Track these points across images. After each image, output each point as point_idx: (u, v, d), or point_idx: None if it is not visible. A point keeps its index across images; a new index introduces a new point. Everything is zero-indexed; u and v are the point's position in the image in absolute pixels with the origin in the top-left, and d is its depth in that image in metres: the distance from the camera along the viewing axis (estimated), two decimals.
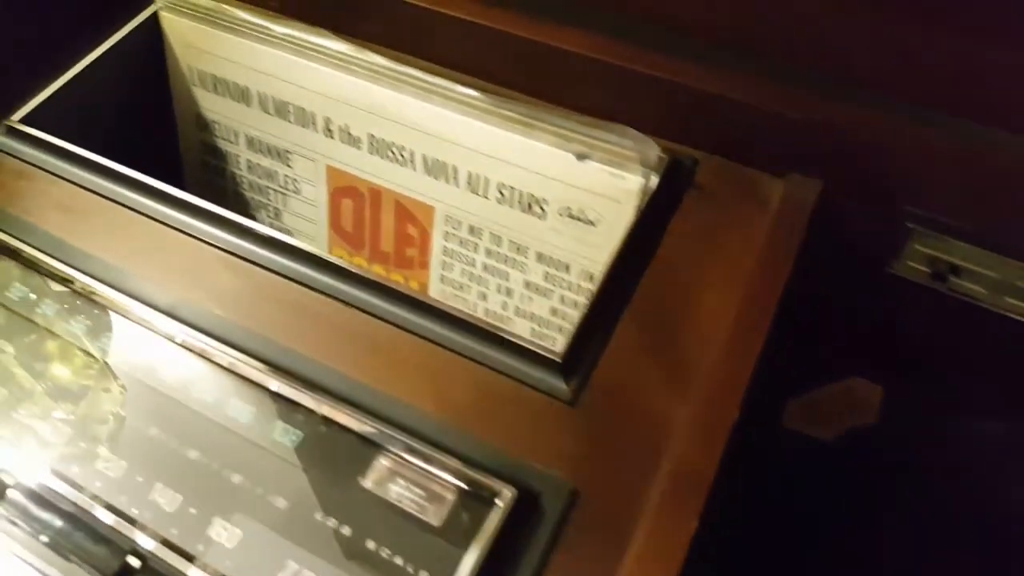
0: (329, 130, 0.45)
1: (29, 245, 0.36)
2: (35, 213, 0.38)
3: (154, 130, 0.50)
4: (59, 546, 0.29)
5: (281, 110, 0.45)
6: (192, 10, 0.45)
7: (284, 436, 0.31)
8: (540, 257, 0.43)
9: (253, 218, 0.50)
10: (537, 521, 0.28)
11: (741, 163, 0.39)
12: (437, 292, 0.48)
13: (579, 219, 0.40)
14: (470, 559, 0.27)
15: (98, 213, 0.38)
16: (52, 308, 0.34)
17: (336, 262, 0.34)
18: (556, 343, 0.45)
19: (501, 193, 0.41)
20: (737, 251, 0.36)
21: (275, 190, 0.49)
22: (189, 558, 0.28)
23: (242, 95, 0.46)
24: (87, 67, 0.43)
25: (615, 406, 0.32)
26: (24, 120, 0.40)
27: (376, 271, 0.49)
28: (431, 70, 0.41)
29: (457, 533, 0.28)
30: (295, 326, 0.34)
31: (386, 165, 0.44)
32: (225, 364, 0.32)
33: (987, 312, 0.39)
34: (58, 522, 0.29)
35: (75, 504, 0.30)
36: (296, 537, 0.28)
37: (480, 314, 0.47)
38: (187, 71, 0.47)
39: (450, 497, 0.29)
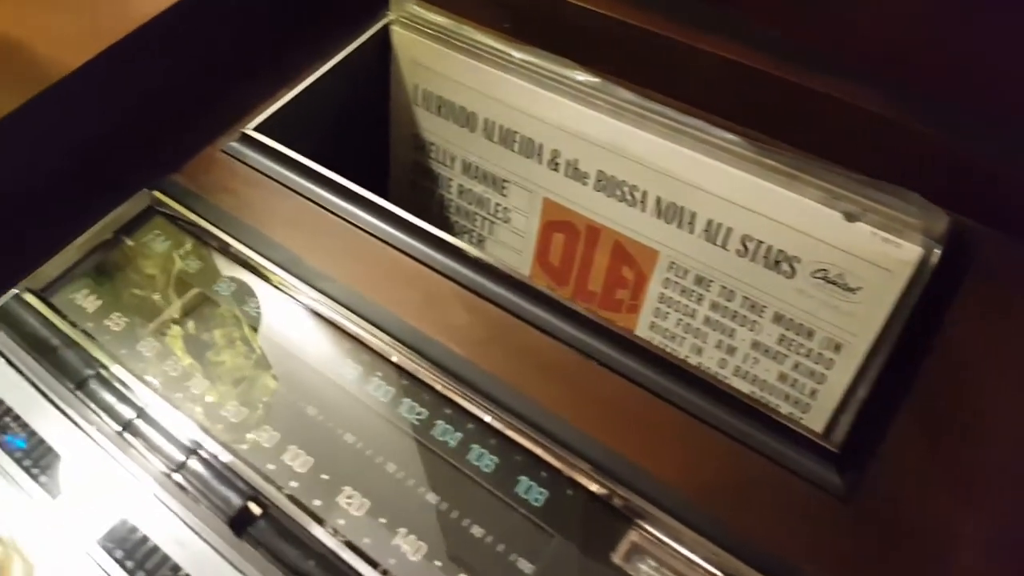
0: (555, 163, 0.44)
1: (267, 259, 0.37)
2: (268, 225, 0.38)
3: (366, 144, 0.51)
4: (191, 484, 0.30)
5: (506, 139, 0.45)
6: (425, 27, 0.46)
7: (529, 494, 0.30)
8: (778, 318, 0.40)
9: None
10: None
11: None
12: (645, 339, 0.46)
13: (836, 284, 0.38)
14: None
15: (331, 233, 0.38)
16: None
17: (591, 317, 0.33)
18: (780, 411, 0.43)
19: (744, 246, 0.39)
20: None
21: (483, 217, 0.49)
22: None
23: (467, 120, 0.46)
24: (318, 79, 0.45)
25: (892, 508, 0.29)
26: (259, 128, 0.42)
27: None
28: (682, 109, 0.39)
29: None
30: (531, 376, 0.33)
31: (611, 203, 0.43)
32: (463, 405, 0.32)
33: None
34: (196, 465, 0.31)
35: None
36: None
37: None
38: (411, 89, 0.48)
39: None
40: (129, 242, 0.38)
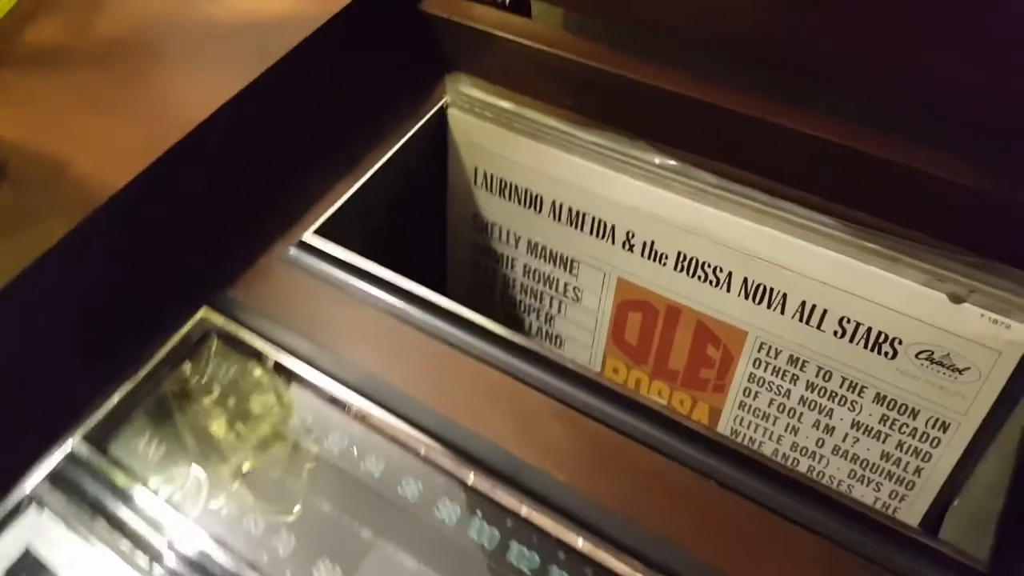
0: (630, 244, 0.43)
1: (341, 383, 0.35)
2: (338, 341, 0.37)
3: (424, 225, 0.51)
4: None
5: (576, 220, 0.44)
6: (482, 108, 0.45)
7: None
8: (879, 398, 0.39)
9: (521, 322, 0.51)
10: None
11: None
12: (733, 419, 0.45)
13: (942, 364, 0.37)
14: None
15: (407, 346, 0.37)
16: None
17: (708, 434, 0.32)
18: (881, 490, 0.42)
19: (842, 327, 0.38)
20: None
21: (552, 296, 0.49)
22: None
23: (532, 201, 0.46)
24: (375, 172, 0.44)
25: None
26: (318, 232, 0.41)
27: (657, 387, 0.47)
28: (766, 188, 0.39)
29: None
30: (645, 502, 0.32)
31: (692, 284, 0.42)
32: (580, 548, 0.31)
33: None
34: None
35: None
36: None
37: (787, 447, 0.44)
38: (470, 171, 0.47)
39: None
40: (187, 372, 0.37)
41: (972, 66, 0.34)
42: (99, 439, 0.34)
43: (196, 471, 0.34)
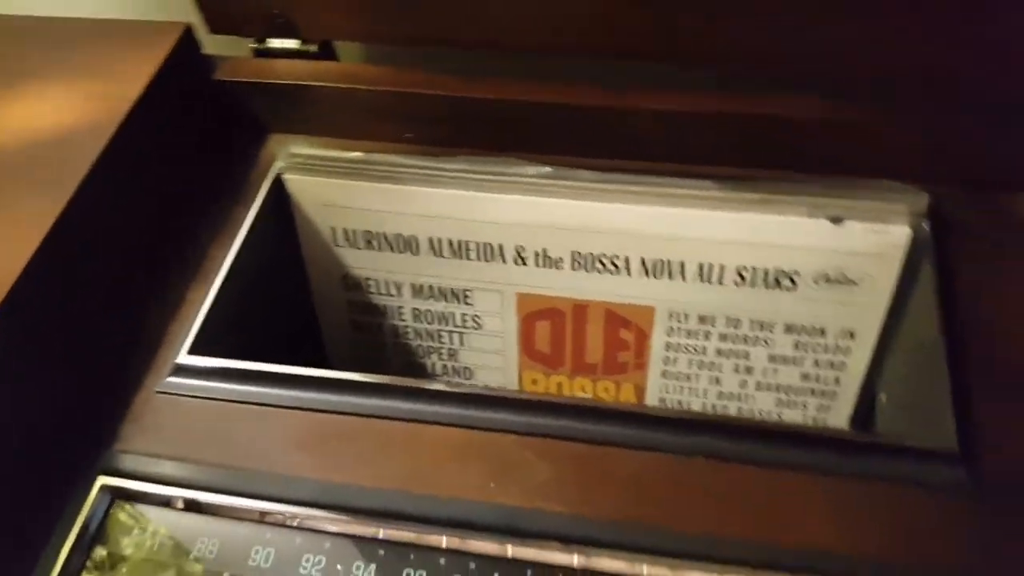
0: (522, 258, 0.43)
1: (285, 502, 0.32)
2: (259, 460, 0.34)
3: (294, 303, 0.47)
4: None
5: (459, 250, 0.43)
6: (322, 164, 0.42)
7: None
8: (789, 328, 0.43)
9: (423, 367, 0.49)
10: None
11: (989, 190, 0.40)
12: (658, 388, 0.47)
13: (838, 282, 0.40)
14: None
15: (341, 436, 0.34)
16: None
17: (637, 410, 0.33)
18: (808, 407, 0.45)
19: (740, 276, 0.41)
20: None
21: (450, 332, 0.47)
22: None
23: (406, 245, 0.44)
24: (230, 268, 0.40)
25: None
26: (192, 352, 0.37)
27: (580, 383, 0.48)
28: (640, 170, 0.40)
29: None
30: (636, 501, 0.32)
31: (592, 278, 0.43)
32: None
33: None
34: None
35: None
36: None
37: (713, 397, 0.47)
38: (327, 232, 0.44)
39: None
40: (103, 553, 0.32)
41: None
42: None
43: None
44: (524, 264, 0.43)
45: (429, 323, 0.47)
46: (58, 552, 0.32)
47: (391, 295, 0.46)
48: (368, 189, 0.42)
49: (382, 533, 0.32)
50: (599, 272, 0.43)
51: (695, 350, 0.45)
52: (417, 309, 0.47)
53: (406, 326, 0.48)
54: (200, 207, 0.43)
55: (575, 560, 0.31)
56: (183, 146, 0.44)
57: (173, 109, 0.43)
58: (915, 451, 0.32)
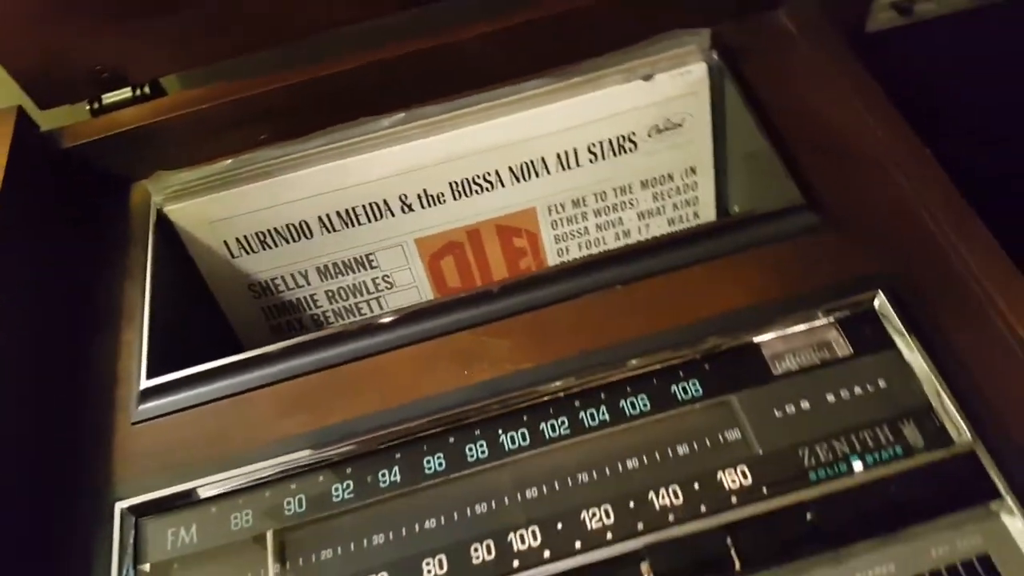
0: (407, 206, 0.48)
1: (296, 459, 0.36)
2: (258, 438, 0.37)
3: (209, 323, 0.50)
4: None
5: (349, 219, 0.48)
6: (199, 184, 0.46)
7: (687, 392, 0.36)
8: (644, 184, 0.50)
9: None
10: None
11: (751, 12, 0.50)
12: None
13: (667, 129, 0.48)
14: (906, 351, 0.35)
15: (315, 393, 0.39)
16: None
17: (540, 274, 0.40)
18: None
19: (591, 153, 0.48)
20: (811, 72, 0.47)
21: (367, 300, 0.51)
22: None
23: (299, 231, 0.48)
24: (151, 303, 0.43)
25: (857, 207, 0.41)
26: (151, 375, 0.40)
27: None
28: (478, 90, 0.46)
29: (867, 344, 0.36)
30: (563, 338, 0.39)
31: (474, 201, 0.49)
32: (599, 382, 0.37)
33: None
34: None
35: None
36: None
37: None
38: (220, 248, 0.48)
39: (832, 332, 0.37)
40: (145, 569, 0.35)
41: None
42: None
43: None
44: (411, 210, 0.49)
45: (344, 299, 0.51)
46: None
47: (300, 286, 0.50)
48: (246, 192, 0.46)
49: (390, 441, 0.36)
50: (478, 193, 0.49)
51: (579, 232, 0.52)
52: (330, 291, 0.51)
53: (324, 311, 0.52)
54: (94, 272, 0.45)
55: (557, 393, 0.36)
56: (53, 222, 0.46)
57: (31, 193, 0.45)
58: (773, 214, 0.41)
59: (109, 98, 0.48)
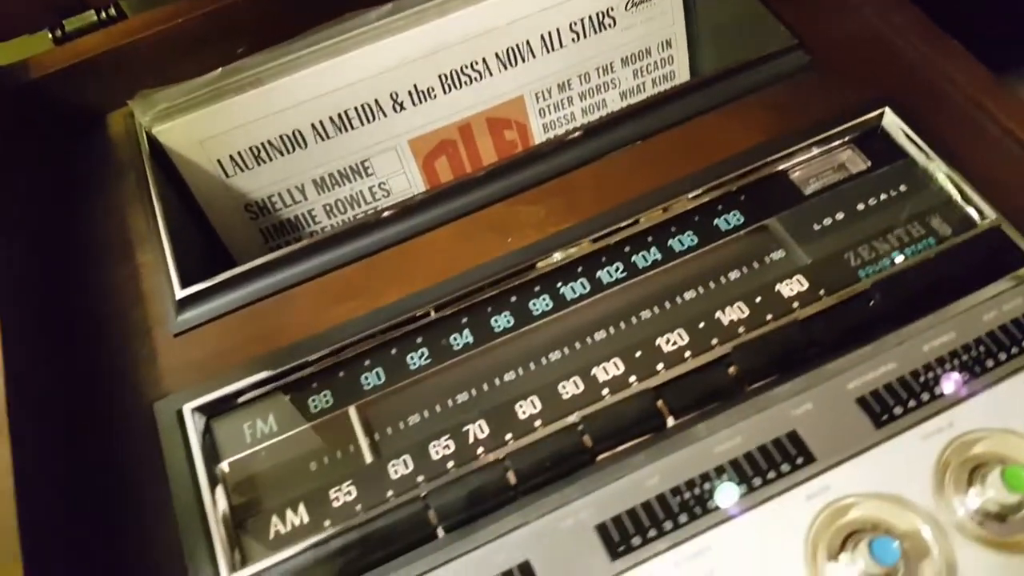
0: (399, 104, 0.48)
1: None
2: (310, 326, 0.37)
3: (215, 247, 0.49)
4: None
5: (342, 123, 0.47)
6: (187, 101, 0.44)
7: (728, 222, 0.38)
8: (624, 61, 0.52)
9: None
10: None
11: None
12: None
13: (642, 2, 0.50)
14: (919, 156, 0.38)
15: (362, 280, 0.39)
16: None
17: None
18: None
19: (573, 32, 0.49)
20: None
21: (364, 211, 0.51)
22: None
23: (293, 142, 0.47)
24: (167, 226, 0.41)
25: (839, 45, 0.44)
26: (184, 285, 0.39)
27: None
28: None
29: (882, 157, 0.39)
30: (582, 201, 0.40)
31: (464, 93, 0.49)
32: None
33: None
34: None
35: None
36: None
37: None
38: (214, 168, 0.46)
39: (848, 151, 0.40)
40: (225, 469, 0.34)
41: None
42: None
43: None
44: (403, 108, 0.49)
45: (343, 212, 0.51)
46: (192, 484, 0.33)
47: (298, 202, 0.49)
48: (236, 104, 0.45)
49: (456, 308, 0.37)
50: (467, 84, 0.49)
51: (566, 119, 0.53)
52: (327, 204, 0.50)
53: (323, 228, 0.51)
54: (80, 209, 0.43)
55: (596, 244, 0.38)
56: (24, 163, 0.44)
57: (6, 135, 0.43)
58: (769, 56, 0.43)
59: (72, 23, 0.45)
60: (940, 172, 0.38)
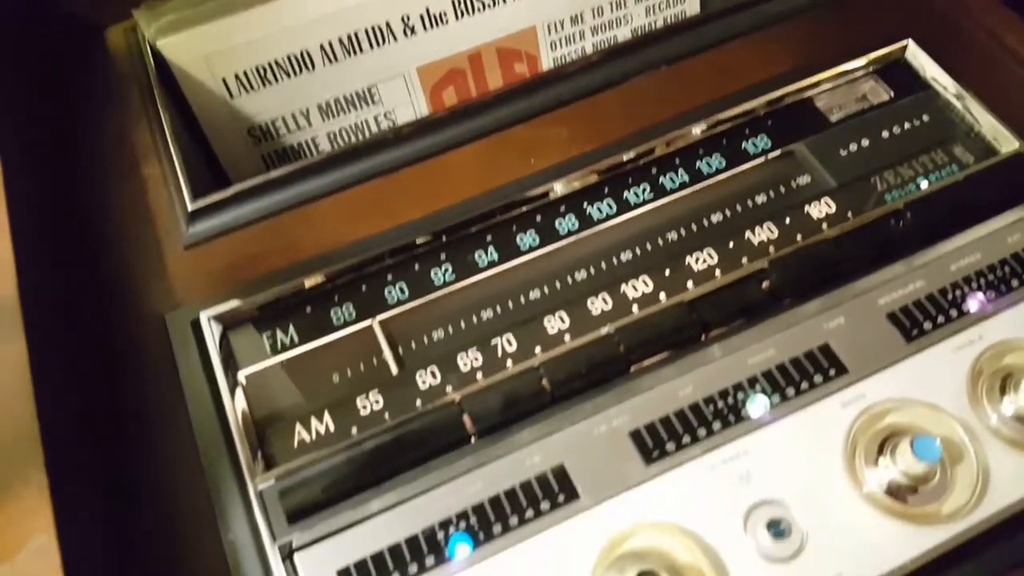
0: (410, 27, 0.47)
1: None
2: (326, 242, 0.37)
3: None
4: None
5: (352, 45, 0.46)
6: (193, 15, 0.43)
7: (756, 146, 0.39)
8: None
9: None
10: None
11: None
12: None
13: None
14: (941, 88, 0.39)
15: (386, 196, 0.38)
16: None
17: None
18: None
19: None
20: None
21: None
22: None
23: (301, 63, 0.46)
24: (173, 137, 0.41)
25: None
26: (195, 197, 0.38)
27: None
28: None
29: (905, 87, 0.39)
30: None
31: (475, 21, 0.48)
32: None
33: None
34: None
35: None
36: None
37: None
38: (218, 86, 0.45)
39: (871, 82, 0.40)
40: (243, 379, 0.34)
41: None
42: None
43: None
44: (414, 32, 0.48)
45: (347, 141, 0.50)
46: (209, 393, 0.32)
47: (302, 128, 0.48)
48: (244, 19, 0.44)
49: (480, 226, 0.36)
50: (480, 11, 0.48)
51: (576, 54, 0.53)
52: (331, 132, 0.49)
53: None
54: (80, 127, 0.42)
55: (635, 161, 0.38)
56: (18, 84, 0.42)
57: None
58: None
59: None
60: (963, 103, 0.38)
